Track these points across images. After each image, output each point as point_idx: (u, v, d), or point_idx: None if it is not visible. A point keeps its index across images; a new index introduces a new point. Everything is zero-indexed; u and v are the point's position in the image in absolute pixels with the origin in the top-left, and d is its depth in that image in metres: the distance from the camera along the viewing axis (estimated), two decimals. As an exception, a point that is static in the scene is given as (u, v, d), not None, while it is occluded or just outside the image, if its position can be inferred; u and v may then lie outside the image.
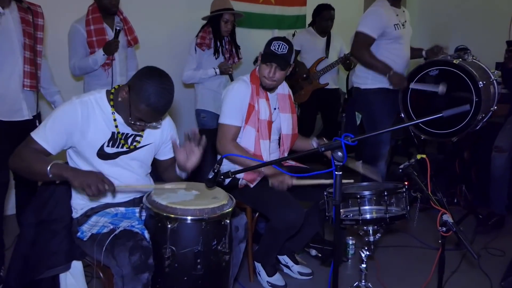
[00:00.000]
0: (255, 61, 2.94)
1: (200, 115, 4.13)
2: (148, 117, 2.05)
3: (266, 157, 2.86)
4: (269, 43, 2.79)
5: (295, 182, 2.66)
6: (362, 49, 3.53)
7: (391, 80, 3.53)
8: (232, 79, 3.96)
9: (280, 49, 2.75)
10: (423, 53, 3.86)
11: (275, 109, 2.97)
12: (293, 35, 5.56)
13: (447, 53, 3.73)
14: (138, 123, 2.08)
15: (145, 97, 1.97)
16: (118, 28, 3.40)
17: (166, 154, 2.44)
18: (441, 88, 3.42)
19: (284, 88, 3.05)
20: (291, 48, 2.79)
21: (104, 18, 3.42)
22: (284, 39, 2.81)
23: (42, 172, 1.94)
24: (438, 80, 3.47)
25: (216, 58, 4.02)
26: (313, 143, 3.02)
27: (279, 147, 3.02)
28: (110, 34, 3.44)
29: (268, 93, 2.92)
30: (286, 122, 2.99)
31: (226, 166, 2.81)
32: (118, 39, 3.37)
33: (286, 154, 3.01)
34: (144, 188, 2.27)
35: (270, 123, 2.90)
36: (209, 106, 4.08)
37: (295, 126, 3.08)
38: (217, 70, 3.98)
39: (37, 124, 2.84)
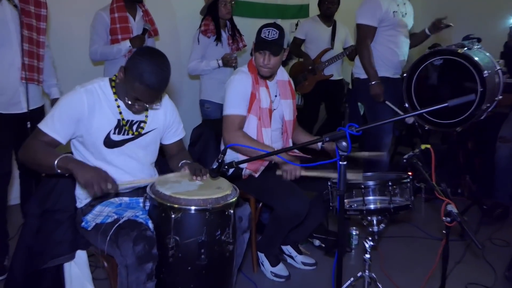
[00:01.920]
0: (252, 52, 2.93)
1: (204, 106, 4.11)
2: (143, 96, 2.03)
3: (268, 144, 2.86)
4: (259, 30, 2.78)
5: (303, 173, 2.66)
6: (364, 44, 3.54)
7: (370, 89, 3.56)
8: None
9: (271, 35, 2.74)
10: (426, 31, 3.83)
11: (276, 96, 2.97)
12: (296, 24, 5.53)
13: (447, 23, 3.70)
14: (136, 105, 2.07)
15: (138, 74, 1.96)
16: (147, 28, 3.58)
17: (171, 138, 2.44)
18: (409, 119, 3.49)
19: (283, 75, 3.04)
20: (282, 32, 2.78)
21: (127, 7, 3.56)
22: (274, 24, 2.80)
23: (49, 166, 1.94)
24: (442, 69, 3.45)
25: (217, 45, 3.98)
26: (318, 144, 3.02)
27: (282, 134, 3.02)
28: (132, 23, 3.56)
29: (267, 81, 2.91)
30: (288, 108, 2.99)
31: (229, 156, 2.81)
32: (145, 36, 3.54)
33: (290, 141, 3.02)
34: (147, 182, 2.26)
35: (270, 111, 2.90)
36: (214, 97, 4.06)
37: (295, 112, 3.09)
38: (220, 62, 3.94)
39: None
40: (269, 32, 2.74)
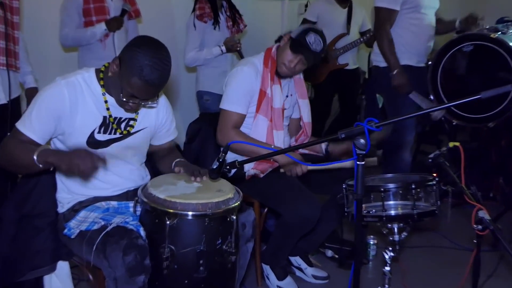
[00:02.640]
0: (278, 40, 2.93)
1: (203, 98, 4.11)
2: (141, 93, 2.03)
3: None
4: (306, 31, 2.77)
5: (310, 167, 2.68)
6: (383, 30, 3.52)
7: (392, 79, 3.54)
8: (241, 56, 3.93)
9: (315, 45, 2.75)
10: (456, 24, 3.82)
11: (287, 96, 2.99)
12: (306, 5, 5.52)
13: (483, 24, 3.69)
14: (131, 102, 2.07)
15: (137, 68, 1.96)
16: (126, 8, 3.54)
17: (162, 139, 2.46)
18: (436, 114, 3.46)
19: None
20: (325, 47, 2.80)
21: None
22: (322, 34, 2.80)
23: (30, 163, 1.95)
24: (472, 57, 3.45)
25: (214, 29, 3.97)
26: (322, 146, 3.03)
27: (298, 137, 3.07)
28: (109, 2, 3.53)
29: (281, 78, 2.94)
30: (306, 109, 3.05)
31: (231, 154, 2.82)
32: (123, 18, 3.49)
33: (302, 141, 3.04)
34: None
35: (283, 111, 2.93)
36: (213, 87, 4.05)
37: (310, 114, 3.13)
38: (223, 48, 3.94)
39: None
40: (315, 40, 2.74)
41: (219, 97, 4.01)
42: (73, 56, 3.80)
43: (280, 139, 2.89)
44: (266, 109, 2.85)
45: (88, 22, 3.48)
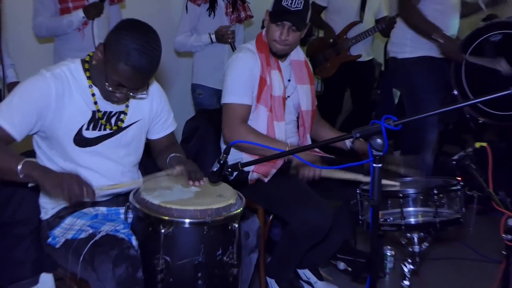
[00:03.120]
0: (263, 24, 2.94)
1: (196, 91, 4.12)
2: (129, 81, 2.03)
3: None
4: None
5: (324, 174, 2.67)
6: (408, 4, 3.51)
7: (440, 48, 3.51)
8: (233, 49, 3.92)
9: (294, 4, 2.74)
10: (480, 2, 3.80)
11: (289, 80, 2.98)
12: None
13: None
14: (117, 92, 2.07)
15: (124, 53, 1.96)
16: None
17: (159, 132, 2.47)
18: (504, 66, 3.39)
19: (298, 54, 3.06)
20: (307, 2, 2.80)
21: None
22: None
23: (9, 170, 1.93)
24: (500, 48, 3.45)
25: (210, 15, 3.97)
26: (347, 142, 3.02)
27: (298, 128, 3.04)
28: None
29: (279, 61, 2.93)
30: (305, 96, 3.01)
31: (232, 155, 2.82)
32: (103, 3, 3.46)
33: (308, 136, 3.04)
34: (131, 186, 2.27)
35: (284, 100, 2.92)
36: (207, 80, 4.06)
37: (314, 100, 3.11)
38: (213, 36, 3.93)
39: None
40: (292, 0, 2.75)
41: (213, 92, 4.04)
42: (48, 47, 3.79)
43: (282, 131, 2.89)
44: (266, 97, 2.86)
45: (64, 9, 3.46)
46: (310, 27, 3.00)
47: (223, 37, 3.91)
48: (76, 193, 1.89)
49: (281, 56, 2.92)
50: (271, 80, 2.87)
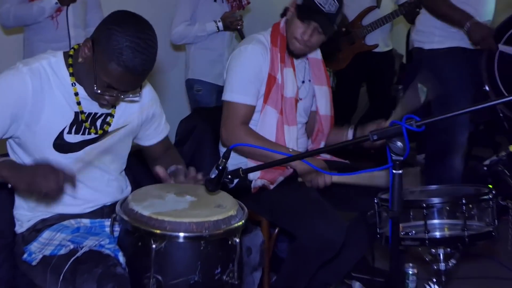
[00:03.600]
0: (284, 13, 2.94)
1: (193, 88, 4.14)
2: (120, 83, 2.03)
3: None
4: None
5: (335, 179, 2.68)
6: None
7: (470, 35, 3.51)
8: (242, 36, 3.95)
9: (328, 5, 2.75)
10: None
11: (303, 82, 3.00)
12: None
13: None
14: (107, 94, 2.07)
15: (116, 52, 1.96)
16: None
17: (151, 138, 2.49)
18: None
19: (316, 51, 3.08)
20: (341, 6, 2.81)
21: None
22: None
23: None
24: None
25: (215, 1, 3.99)
26: (349, 134, 3.04)
27: (315, 136, 3.08)
28: None
29: (294, 59, 2.95)
30: (323, 99, 3.04)
31: (233, 159, 2.82)
32: None
33: (322, 144, 3.06)
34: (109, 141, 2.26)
35: (296, 101, 2.94)
36: (206, 75, 4.08)
37: (332, 105, 3.13)
38: (220, 24, 3.95)
39: None
40: (326, 0, 2.75)
41: (212, 88, 4.06)
42: (17, 39, 3.79)
43: (293, 137, 2.90)
44: (275, 98, 2.87)
45: None
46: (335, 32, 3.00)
47: (232, 24, 3.96)
48: (53, 186, 1.89)
49: (298, 56, 2.94)
50: (283, 78, 2.88)
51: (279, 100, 2.87)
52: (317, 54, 3.08)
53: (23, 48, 3.63)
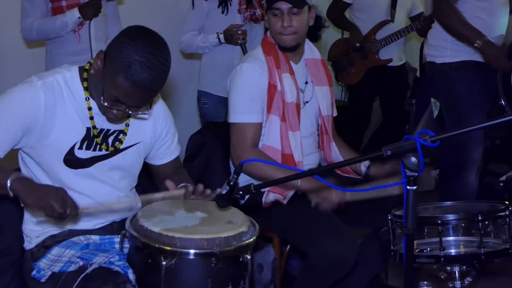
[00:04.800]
0: (266, 29, 2.99)
1: (201, 100, 4.14)
2: (127, 97, 2.02)
3: (298, 157, 2.90)
4: None
5: (350, 197, 2.67)
6: (446, 4, 3.51)
7: (482, 54, 3.50)
8: (245, 52, 3.95)
9: None
10: None
11: (306, 83, 3.02)
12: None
13: None
14: (114, 108, 2.07)
15: (125, 65, 1.95)
16: None
17: (162, 157, 2.49)
18: None
19: (312, 51, 3.11)
20: None
21: None
22: None
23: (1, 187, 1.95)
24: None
25: (223, 12, 4.00)
26: (362, 166, 3.04)
27: (320, 140, 3.07)
28: None
29: (292, 62, 2.97)
30: (324, 99, 3.05)
31: (244, 176, 2.83)
32: (101, 1, 3.50)
33: (332, 145, 3.06)
34: (123, 205, 2.28)
35: (298, 106, 2.94)
36: (214, 87, 4.08)
37: (333, 105, 3.15)
38: (221, 36, 3.95)
39: None
40: None
41: (219, 101, 4.04)
42: (39, 52, 3.84)
43: (298, 143, 2.90)
44: (278, 105, 2.89)
45: (56, 9, 3.50)
46: (319, 18, 3.01)
47: (232, 37, 3.93)
48: (59, 212, 1.91)
49: (293, 49, 2.95)
50: (282, 85, 2.90)
51: (281, 106, 2.88)
52: (314, 54, 3.10)
53: (45, 60, 3.68)
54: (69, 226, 2.26)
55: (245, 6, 4.07)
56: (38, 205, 1.93)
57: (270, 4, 2.85)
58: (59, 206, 1.91)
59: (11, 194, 1.96)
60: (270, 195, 2.85)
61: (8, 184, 1.94)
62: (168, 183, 2.33)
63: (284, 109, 2.89)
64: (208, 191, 2.30)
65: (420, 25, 4.84)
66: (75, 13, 3.47)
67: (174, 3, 4.60)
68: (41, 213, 1.96)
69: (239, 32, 3.94)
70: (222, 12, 4.00)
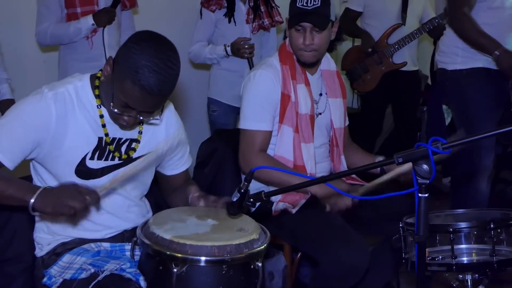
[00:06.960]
0: (285, 35, 2.99)
1: (210, 108, 4.16)
2: (136, 102, 2.02)
3: (310, 168, 2.91)
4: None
5: (364, 189, 2.69)
6: (460, 12, 3.51)
7: (499, 63, 3.50)
8: (250, 66, 3.95)
9: (311, 2, 2.79)
10: None
11: (320, 95, 3.02)
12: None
13: None
14: (125, 114, 2.07)
15: (133, 70, 1.95)
16: None
17: (174, 168, 2.50)
18: None
19: (329, 62, 3.11)
20: None
21: None
22: None
23: (20, 200, 1.95)
24: None
25: (230, 22, 4.01)
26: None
27: (330, 151, 3.07)
28: None
29: (307, 73, 2.97)
30: (337, 111, 3.05)
31: (254, 184, 2.83)
32: (116, 9, 3.55)
33: (342, 158, 3.06)
34: (141, 165, 2.22)
35: (312, 118, 2.94)
36: (223, 96, 4.09)
37: (346, 116, 3.15)
38: (229, 49, 3.96)
39: None
40: None
41: (229, 109, 4.06)
42: (53, 56, 3.89)
43: (310, 155, 2.91)
44: (290, 116, 2.89)
45: (71, 15, 3.55)
46: (339, 30, 3.01)
47: (239, 51, 3.93)
48: (79, 206, 1.90)
49: (312, 65, 2.96)
50: (296, 95, 2.90)
51: (294, 117, 2.89)
52: (330, 66, 3.10)
53: (58, 65, 3.72)
54: (80, 236, 2.27)
55: (252, 16, 4.08)
56: (58, 211, 1.93)
57: (294, 22, 2.83)
58: (78, 203, 1.91)
59: (32, 213, 1.96)
60: (279, 204, 2.86)
61: (32, 201, 1.92)
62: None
63: (298, 120, 2.89)
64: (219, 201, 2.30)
65: (433, 25, 4.82)
66: (89, 20, 3.51)
67: (191, 13, 4.61)
68: (65, 218, 1.96)
69: (246, 46, 3.94)
70: (229, 22, 4.01)
